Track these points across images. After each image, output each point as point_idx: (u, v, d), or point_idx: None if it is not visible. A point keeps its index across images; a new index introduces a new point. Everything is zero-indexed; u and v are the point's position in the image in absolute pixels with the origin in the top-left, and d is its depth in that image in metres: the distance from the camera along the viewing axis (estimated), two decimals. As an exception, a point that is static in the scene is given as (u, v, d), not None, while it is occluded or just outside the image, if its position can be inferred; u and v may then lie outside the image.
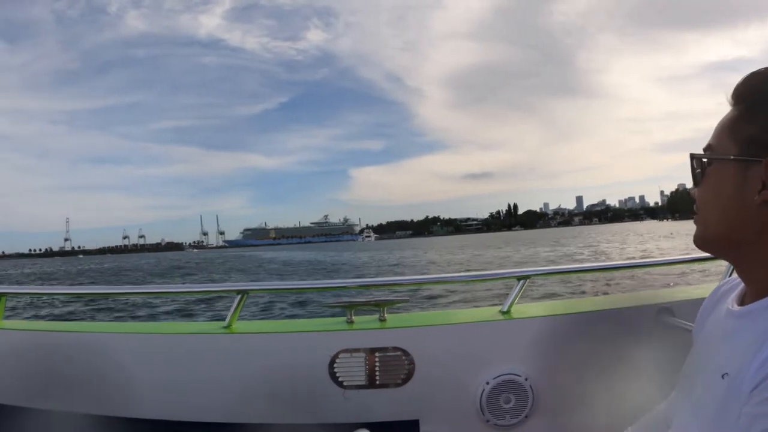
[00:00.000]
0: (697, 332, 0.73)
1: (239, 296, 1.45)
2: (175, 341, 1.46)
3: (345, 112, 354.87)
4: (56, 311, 10.00)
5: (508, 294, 1.44)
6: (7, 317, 1.57)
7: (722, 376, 0.56)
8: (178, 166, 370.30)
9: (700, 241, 0.65)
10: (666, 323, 1.31)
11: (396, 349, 1.34)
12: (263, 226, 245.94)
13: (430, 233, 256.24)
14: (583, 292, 8.27)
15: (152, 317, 8.73)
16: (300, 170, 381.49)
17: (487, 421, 1.31)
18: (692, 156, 0.63)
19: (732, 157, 0.58)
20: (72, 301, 10.28)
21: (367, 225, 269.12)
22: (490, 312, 1.46)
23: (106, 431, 1.34)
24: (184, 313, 8.65)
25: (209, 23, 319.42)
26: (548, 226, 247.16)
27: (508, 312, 1.41)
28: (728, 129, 0.60)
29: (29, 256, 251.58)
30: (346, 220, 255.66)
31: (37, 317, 9.09)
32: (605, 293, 7.65)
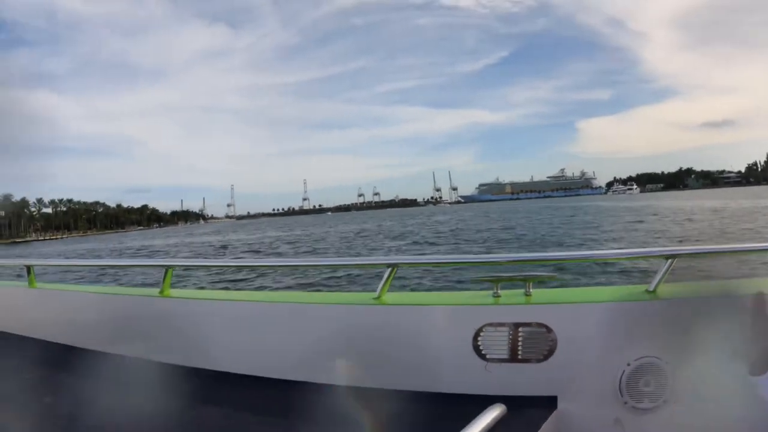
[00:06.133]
0: None
1: (389, 269, 1.50)
2: (328, 311, 1.55)
3: (567, 62, 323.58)
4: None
5: (656, 272, 1.36)
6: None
7: None
8: (403, 126, 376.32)
9: None
10: None
11: (540, 325, 1.33)
12: (497, 180, 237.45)
13: (685, 186, 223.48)
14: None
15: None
16: (525, 124, 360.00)
17: (625, 403, 1.27)
18: None
19: None
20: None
21: (615, 178, 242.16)
22: (636, 290, 1.40)
23: (257, 391, 1.47)
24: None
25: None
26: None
27: (654, 292, 1.35)
28: None
29: (272, 215, 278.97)
30: (583, 173, 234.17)
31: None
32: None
